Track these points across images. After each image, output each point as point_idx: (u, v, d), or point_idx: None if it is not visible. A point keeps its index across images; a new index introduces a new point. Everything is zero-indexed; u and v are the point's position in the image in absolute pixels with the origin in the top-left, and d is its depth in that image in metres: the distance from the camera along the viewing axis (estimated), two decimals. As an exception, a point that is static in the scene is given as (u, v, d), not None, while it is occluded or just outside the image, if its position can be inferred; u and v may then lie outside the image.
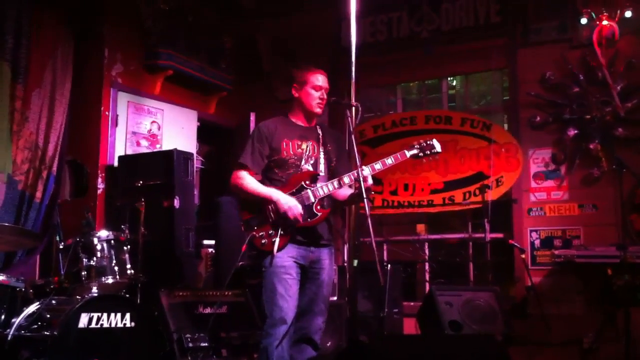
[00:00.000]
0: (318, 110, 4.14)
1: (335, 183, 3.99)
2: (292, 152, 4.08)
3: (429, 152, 4.12)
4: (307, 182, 4.01)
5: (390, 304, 6.10)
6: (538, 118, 7.42)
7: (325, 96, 4.14)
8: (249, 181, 4.01)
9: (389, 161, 4.02)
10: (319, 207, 3.98)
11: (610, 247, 6.23)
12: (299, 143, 4.11)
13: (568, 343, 6.07)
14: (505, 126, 7.95)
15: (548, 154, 7.38)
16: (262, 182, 4.06)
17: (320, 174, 4.09)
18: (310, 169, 4.08)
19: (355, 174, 3.87)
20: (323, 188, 3.99)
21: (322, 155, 4.13)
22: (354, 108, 4.19)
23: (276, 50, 8.54)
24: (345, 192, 4.13)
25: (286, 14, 8.48)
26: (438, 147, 4.14)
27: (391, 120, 8.24)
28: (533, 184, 7.42)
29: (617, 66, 7.07)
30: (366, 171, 3.91)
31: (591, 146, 7.10)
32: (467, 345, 3.80)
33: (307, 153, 4.10)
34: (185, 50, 7.51)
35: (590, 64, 7.17)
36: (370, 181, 3.93)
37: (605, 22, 7.02)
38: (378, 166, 4.01)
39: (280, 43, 8.53)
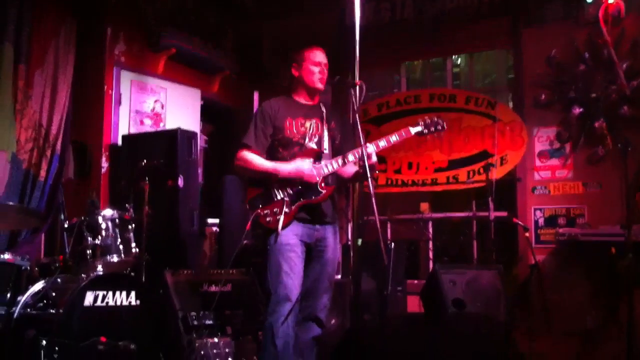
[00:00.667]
0: (319, 85, 4.14)
1: (340, 161, 3.99)
2: (295, 131, 4.08)
3: (433, 129, 4.12)
4: (312, 160, 4.01)
5: (393, 282, 6.12)
6: (543, 97, 7.39)
7: (325, 71, 4.14)
8: (253, 159, 4.01)
9: (393, 138, 4.02)
10: (323, 185, 3.99)
11: (615, 226, 6.23)
12: (303, 121, 4.11)
13: (571, 322, 6.08)
14: (510, 105, 7.92)
15: (553, 133, 7.36)
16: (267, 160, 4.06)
17: (325, 151, 4.09)
18: (315, 147, 4.08)
19: (360, 152, 3.86)
20: (327, 166, 4.00)
21: (325, 133, 4.14)
22: (357, 87, 4.19)
23: (279, 49, 8.45)
24: (350, 169, 4.13)
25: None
26: (443, 124, 4.13)
27: (395, 99, 8.22)
28: (537, 163, 7.41)
29: (623, 45, 7.00)
30: (370, 148, 3.91)
31: (596, 125, 7.07)
32: (469, 324, 3.82)
33: (310, 131, 4.11)
34: (189, 30, 7.47)
35: (596, 43, 7.12)
36: (374, 158, 3.93)
37: (611, 0, 6.96)
38: (382, 143, 4.01)
39: (281, 37, 8.44)
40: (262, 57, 8.53)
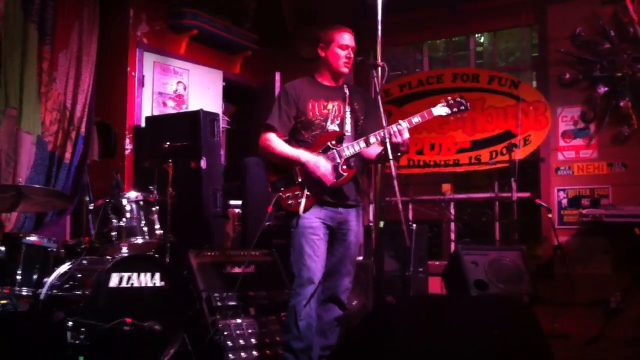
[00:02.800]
0: (345, 69, 4.12)
1: (362, 143, 3.97)
2: (317, 113, 4.07)
3: (456, 110, 4.07)
4: (333, 142, 4.01)
5: (415, 263, 6.12)
6: (567, 75, 7.31)
7: (352, 55, 4.10)
8: (276, 143, 4.01)
9: (415, 120, 3.98)
10: (344, 167, 3.99)
11: (639, 207, 6.18)
12: (325, 104, 4.09)
13: (594, 303, 6.07)
14: (534, 84, 7.84)
15: (577, 112, 7.29)
16: (289, 143, 4.06)
17: (347, 133, 4.08)
18: (336, 129, 4.07)
19: (382, 134, 3.86)
20: (349, 148, 3.98)
21: (348, 115, 4.11)
22: (380, 68, 4.17)
23: (300, 11, 8.44)
24: (375, 150, 4.11)
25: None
26: (466, 105, 4.08)
27: (417, 79, 8.17)
28: (561, 143, 7.35)
29: (648, 22, 6.92)
30: (395, 128, 3.88)
31: (621, 104, 6.99)
32: (492, 305, 3.81)
33: (333, 113, 4.09)
34: (209, 10, 7.46)
35: (621, 20, 7.02)
36: (406, 135, 3.87)
37: (636, -23, 6.85)
38: (404, 124, 3.98)
39: (303, 2, 8.42)
40: (285, 16, 8.46)
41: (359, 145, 3.98)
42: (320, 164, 3.90)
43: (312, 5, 8.30)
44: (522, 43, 8.30)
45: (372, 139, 3.95)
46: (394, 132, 3.84)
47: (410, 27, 8.23)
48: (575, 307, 6.14)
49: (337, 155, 3.97)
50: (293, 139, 4.09)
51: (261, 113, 4.25)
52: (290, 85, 4.16)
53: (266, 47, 8.31)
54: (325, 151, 3.99)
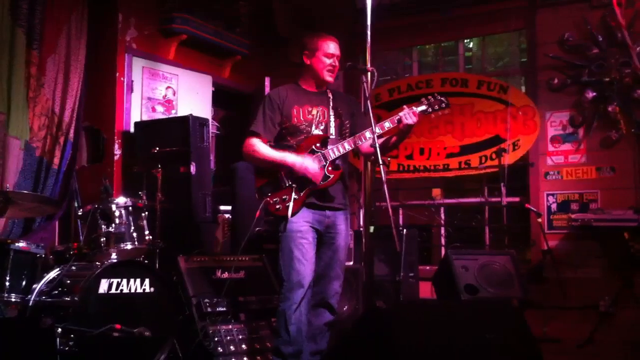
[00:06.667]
0: (329, 78, 4.14)
1: (346, 145, 4.00)
2: (302, 119, 4.09)
3: (437, 107, 4.08)
4: (318, 146, 4.03)
5: (406, 268, 6.12)
6: (556, 80, 7.34)
7: (336, 63, 4.13)
8: (261, 148, 4.02)
9: (397, 119, 4.00)
10: (330, 169, 4.00)
11: (628, 211, 6.20)
12: (310, 109, 4.11)
13: (585, 307, 6.08)
14: (523, 88, 7.87)
15: (566, 117, 7.32)
16: (274, 148, 4.07)
17: (331, 136, 4.09)
18: (320, 133, 4.08)
19: (366, 135, 3.93)
20: (334, 150, 4.01)
21: (332, 119, 4.13)
22: (369, 73, 4.18)
23: (294, 16, 8.44)
24: (368, 144, 4.10)
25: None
26: (447, 102, 4.09)
27: (407, 84, 8.19)
28: (550, 147, 7.37)
29: (636, 27, 6.95)
30: (378, 130, 3.90)
31: (610, 109, 7.02)
32: (483, 310, 3.81)
33: (317, 119, 4.11)
34: (200, 15, 7.45)
35: (610, 25, 7.06)
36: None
37: (624, -18, 6.89)
38: (387, 124, 4.00)
39: (297, 8, 8.42)
40: (277, 21, 8.41)
41: (343, 147, 4.00)
42: (308, 165, 3.93)
43: (310, 10, 8.29)
44: (511, 48, 8.34)
45: (357, 141, 3.97)
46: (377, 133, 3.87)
47: (403, 32, 8.24)
48: (567, 311, 6.15)
49: (322, 158, 3.99)
50: (279, 145, 4.10)
51: (251, 118, 4.24)
52: (274, 91, 4.19)
53: (256, 51, 8.30)
54: (310, 154, 4.00)
